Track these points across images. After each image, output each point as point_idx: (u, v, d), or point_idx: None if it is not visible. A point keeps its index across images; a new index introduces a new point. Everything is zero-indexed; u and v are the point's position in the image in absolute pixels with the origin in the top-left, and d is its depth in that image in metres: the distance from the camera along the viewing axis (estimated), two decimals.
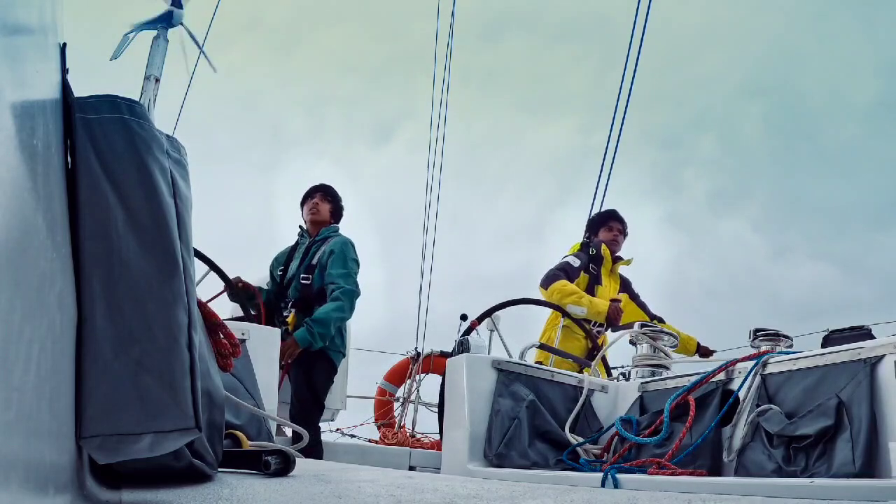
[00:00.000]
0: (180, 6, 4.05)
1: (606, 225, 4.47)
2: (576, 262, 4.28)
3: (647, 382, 2.79)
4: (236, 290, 3.56)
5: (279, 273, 3.97)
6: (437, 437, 4.56)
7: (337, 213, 4.16)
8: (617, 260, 4.43)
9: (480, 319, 4.13)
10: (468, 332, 4.02)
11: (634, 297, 4.52)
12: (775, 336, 2.55)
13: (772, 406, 2.09)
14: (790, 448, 1.95)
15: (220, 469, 1.28)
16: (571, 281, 4.17)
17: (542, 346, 3.81)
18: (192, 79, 4.85)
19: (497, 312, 4.30)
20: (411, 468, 4.33)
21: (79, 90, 0.91)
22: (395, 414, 6.04)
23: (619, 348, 4.47)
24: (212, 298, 3.41)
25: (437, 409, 4.08)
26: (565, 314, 4.14)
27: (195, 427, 0.87)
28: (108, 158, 0.89)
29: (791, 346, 2.55)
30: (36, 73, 0.61)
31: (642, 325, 3.14)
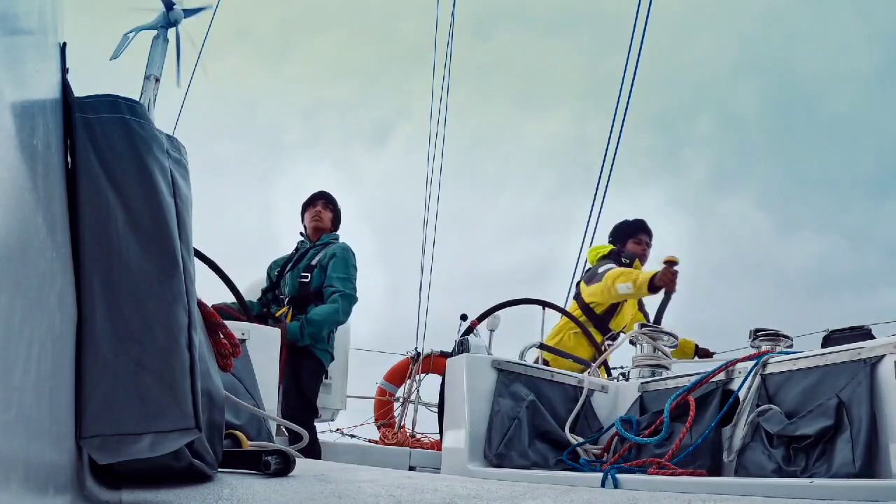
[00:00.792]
0: (171, 9, 4.05)
1: (636, 237, 4.39)
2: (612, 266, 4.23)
3: (647, 382, 2.79)
4: (237, 291, 3.56)
5: (276, 273, 3.99)
6: (437, 437, 4.56)
7: (337, 220, 4.20)
8: None
9: (480, 319, 4.13)
10: (468, 332, 4.02)
11: (640, 304, 4.50)
12: (775, 336, 2.55)
13: (772, 406, 2.09)
14: (790, 448, 1.95)
15: (220, 469, 1.28)
16: None
17: (542, 346, 3.81)
18: (192, 79, 4.85)
19: (497, 312, 4.30)
20: (411, 468, 4.33)
21: (79, 90, 0.91)
22: (395, 414, 6.04)
23: (619, 348, 4.48)
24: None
25: (437, 409, 4.08)
26: (574, 320, 4.14)
27: (195, 427, 0.87)
28: (108, 158, 0.89)
29: (791, 346, 2.55)
30: (36, 73, 0.61)
31: (642, 326, 3.15)
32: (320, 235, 4.06)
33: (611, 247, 4.45)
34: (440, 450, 3.02)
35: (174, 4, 4.05)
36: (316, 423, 4.49)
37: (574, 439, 2.67)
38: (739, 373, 2.31)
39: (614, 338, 4.26)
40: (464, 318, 4.97)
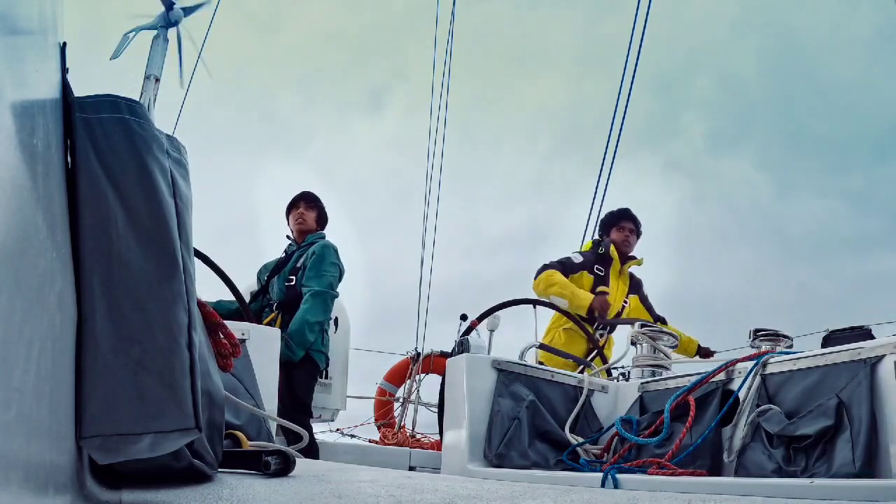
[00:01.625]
0: (171, 8, 4.06)
1: (618, 225, 4.47)
2: (577, 259, 4.29)
3: (647, 382, 2.79)
4: (237, 291, 3.56)
5: (265, 277, 4.00)
6: (437, 437, 4.56)
7: (322, 219, 4.17)
8: (626, 260, 4.43)
9: (480, 319, 4.13)
10: (468, 332, 4.02)
11: (644, 298, 4.52)
12: (775, 336, 2.55)
13: (772, 406, 2.09)
14: (790, 448, 1.95)
15: (220, 469, 1.28)
16: (566, 276, 4.18)
17: (542, 347, 3.82)
18: (192, 78, 4.85)
19: (497, 312, 4.30)
20: (411, 468, 4.33)
21: (79, 90, 0.91)
22: (395, 414, 6.04)
23: (618, 349, 4.49)
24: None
25: (437, 409, 4.08)
26: (567, 315, 4.14)
27: (195, 427, 0.87)
28: (108, 158, 0.89)
29: (791, 346, 2.55)
30: (36, 73, 0.61)
31: (642, 325, 3.15)
32: (305, 237, 4.05)
33: (591, 242, 4.57)
34: (440, 450, 3.02)
35: (174, 4, 4.06)
36: (316, 424, 4.49)
37: (574, 439, 2.67)
38: (739, 373, 2.31)
39: (604, 327, 4.28)
40: (464, 318, 4.97)
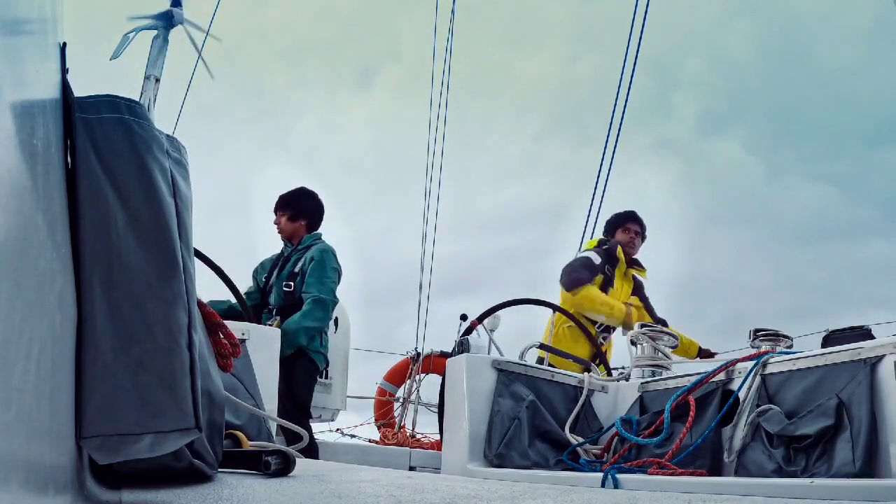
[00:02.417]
0: (180, 5, 4.05)
1: (623, 226, 4.49)
2: (597, 260, 4.30)
3: (647, 382, 2.79)
4: (237, 291, 3.56)
5: (263, 280, 3.99)
6: (437, 437, 4.56)
7: (305, 215, 4.02)
8: (632, 264, 4.44)
9: (480, 319, 4.12)
10: (468, 332, 4.02)
11: (644, 299, 4.53)
12: (775, 336, 2.55)
13: (772, 406, 2.09)
14: (790, 448, 1.95)
15: (220, 469, 1.28)
16: (594, 276, 4.19)
17: (542, 347, 3.81)
18: (192, 79, 4.85)
19: (497, 312, 4.30)
20: (411, 468, 4.33)
21: (79, 90, 0.91)
22: (395, 414, 6.04)
23: (618, 348, 4.49)
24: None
25: (437, 409, 4.08)
26: (569, 316, 4.14)
27: (195, 427, 0.87)
28: (108, 158, 0.89)
29: (791, 346, 2.55)
30: (36, 73, 0.61)
31: (642, 326, 3.15)
32: (300, 239, 3.98)
33: (597, 241, 4.57)
34: (440, 450, 3.03)
35: (181, 2, 4.05)
36: (316, 424, 4.48)
37: (574, 439, 2.67)
38: (739, 373, 2.31)
39: (606, 330, 4.28)
40: (464, 318, 4.97)
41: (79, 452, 0.83)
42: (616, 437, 2.60)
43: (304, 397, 3.70)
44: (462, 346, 2.82)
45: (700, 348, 4.25)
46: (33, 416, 0.54)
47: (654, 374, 2.91)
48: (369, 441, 5.22)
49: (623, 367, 3.56)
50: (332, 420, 4.72)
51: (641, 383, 2.81)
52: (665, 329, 3.33)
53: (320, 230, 4.09)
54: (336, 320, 4.24)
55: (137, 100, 0.97)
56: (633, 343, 3.10)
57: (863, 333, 2.52)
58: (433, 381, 5.72)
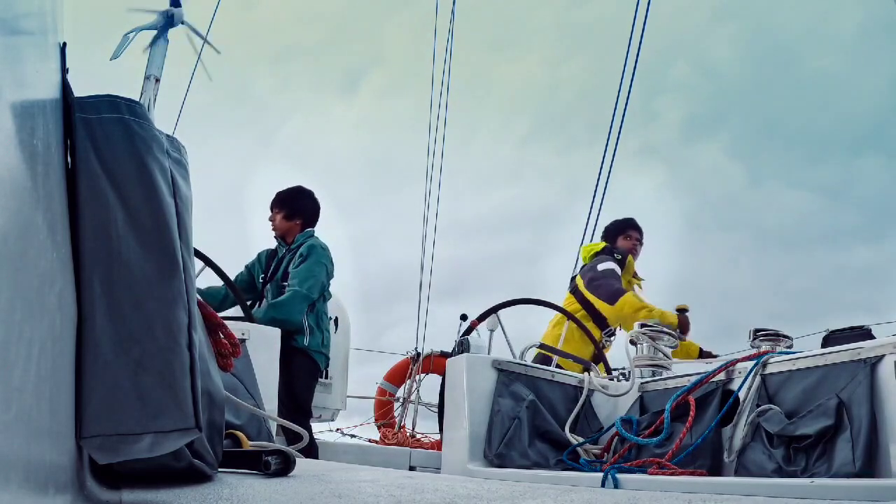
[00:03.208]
0: (179, 5, 4.05)
1: (625, 233, 4.50)
2: (618, 270, 4.30)
3: (646, 382, 2.79)
4: (237, 291, 3.56)
5: (259, 273, 3.95)
6: (437, 437, 4.56)
7: (301, 214, 3.95)
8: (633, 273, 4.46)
9: (480, 319, 4.12)
10: (468, 332, 4.02)
11: None
12: (775, 336, 2.55)
13: (772, 406, 2.09)
14: (790, 448, 1.95)
15: (220, 469, 1.28)
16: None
17: (542, 346, 3.81)
18: (192, 80, 4.85)
19: (498, 312, 4.29)
20: (411, 468, 4.33)
21: (79, 90, 0.91)
22: (395, 414, 6.04)
23: (619, 348, 4.49)
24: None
25: (437, 409, 4.08)
26: (571, 318, 4.14)
27: (195, 427, 0.87)
28: (108, 158, 0.89)
29: (791, 346, 2.55)
30: (36, 73, 0.61)
31: (642, 325, 3.14)
32: (294, 237, 3.92)
33: (603, 244, 4.55)
34: (440, 450, 3.03)
35: (180, 2, 4.06)
36: (316, 424, 4.48)
37: (574, 439, 2.67)
38: (739, 373, 2.31)
39: (612, 333, 4.28)
40: (464, 318, 4.98)
41: (79, 452, 0.83)
42: (616, 437, 2.60)
43: (304, 397, 3.69)
44: (462, 346, 2.82)
45: (700, 349, 4.25)
46: (33, 416, 0.54)
47: (654, 374, 2.92)
48: (369, 441, 5.22)
49: (623, 367, 3.56)
50: (332, 420, 4.73)
51: (641, 383, 2.81)
52: (665, 329, 3.33)
53: (314, 230, 4.03)
54: (336, 320, 4.24)
55: (137, 100, 0.97)
56: (632, 343, 3.10)
57: (863, 333, 2.52)
58: (433, 381, 5.72)
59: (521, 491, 1.10)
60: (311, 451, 3.51)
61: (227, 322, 1.41)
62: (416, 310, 6.28)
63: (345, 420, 5.25)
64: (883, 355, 1.85)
